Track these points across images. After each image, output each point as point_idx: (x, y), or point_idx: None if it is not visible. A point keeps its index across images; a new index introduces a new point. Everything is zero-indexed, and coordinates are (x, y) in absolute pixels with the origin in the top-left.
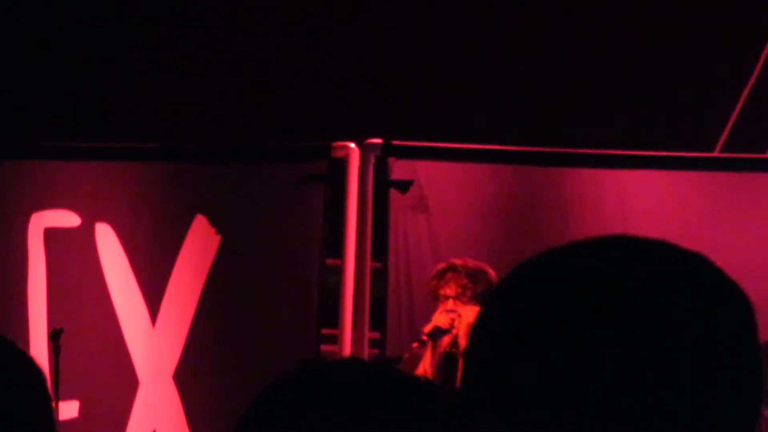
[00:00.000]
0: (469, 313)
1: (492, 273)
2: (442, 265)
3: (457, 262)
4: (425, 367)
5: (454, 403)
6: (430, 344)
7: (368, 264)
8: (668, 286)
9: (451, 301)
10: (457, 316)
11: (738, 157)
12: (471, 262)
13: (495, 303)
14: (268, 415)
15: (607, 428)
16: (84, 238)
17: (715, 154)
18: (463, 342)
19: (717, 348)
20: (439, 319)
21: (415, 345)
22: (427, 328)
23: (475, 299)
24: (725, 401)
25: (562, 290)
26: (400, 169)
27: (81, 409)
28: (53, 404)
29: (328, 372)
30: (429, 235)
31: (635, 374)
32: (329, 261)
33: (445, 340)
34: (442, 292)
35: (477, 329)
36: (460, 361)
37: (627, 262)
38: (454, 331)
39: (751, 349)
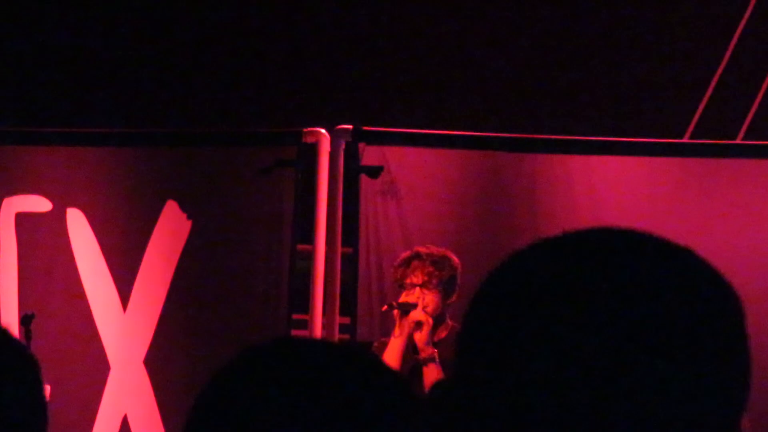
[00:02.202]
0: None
1: (455, 259)
2: (406, 254)
3: (422, 250)
4: (392, 355)
5: (446, 389)
6: (398, 325)
7: (338, 249)
8: (659, 280)
9: (418, 289)
10: (423, 300)
11: (708, 143)
12: (435, 250)
13: (489, 292)
14: (226, 392)
15: (601, 417)
16: (55, 223)
17: (685, 140)
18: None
19: (707, 341)
20: (408, 297)
21: (384, 308)
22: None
23: (441, 286)
24: (715, 394)
25: (557, 281)
26: (370, 155)
27: (52, 394)
28: (45, 391)
29: (291, 349)
30: (399, 220)
31: (627, 367)
32: (300, 246)
33: (413, 315)
34: (408, 280)
35: (469, 322)
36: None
37: (618, 254)
38: (420, 306)
39: (740, 343)
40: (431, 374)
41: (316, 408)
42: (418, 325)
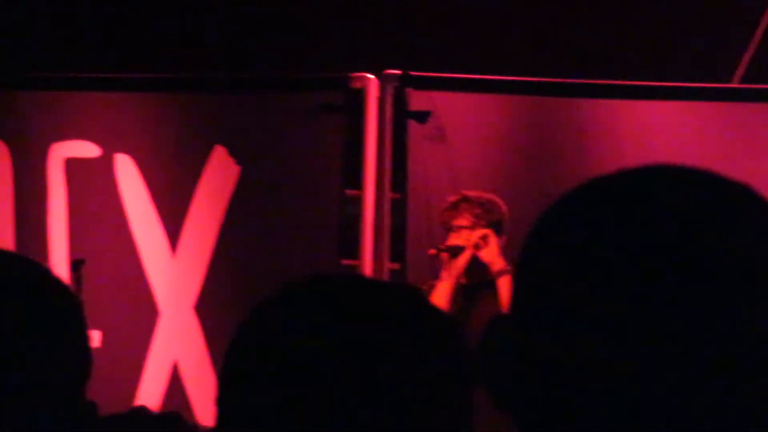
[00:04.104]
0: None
1: (503, 205)
2: (454, 197)
3: (470, 193)
4: (440, 298)
5: (500, 326)
6: (445, 268)
7: (387, 195)
8: (721, 213)
9: (465, 231)
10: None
11: (755, 88)
12: (483, 194)
13: (542, 233)
14: (264, 323)
15: (659, 367)
16: (104, 168)
17: (733, 84)
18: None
19: None
20: (456, 239)
21: (432, 252)
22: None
23: (488, 228)
24: None
25: (611, 221)
26: (417, 100)
27: (103, 340)
28: (88, 332)
29: (332, 283)
30: (447, 165)
31: (692, 302)
32: (348, 192)
33: (462, 258)
34: (456, 222)
35: (522, 264)
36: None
37: (675, 189)
38: (469, 249)
39: None
40: (507, 286)
41: (355, 344)
42: (483, 240)
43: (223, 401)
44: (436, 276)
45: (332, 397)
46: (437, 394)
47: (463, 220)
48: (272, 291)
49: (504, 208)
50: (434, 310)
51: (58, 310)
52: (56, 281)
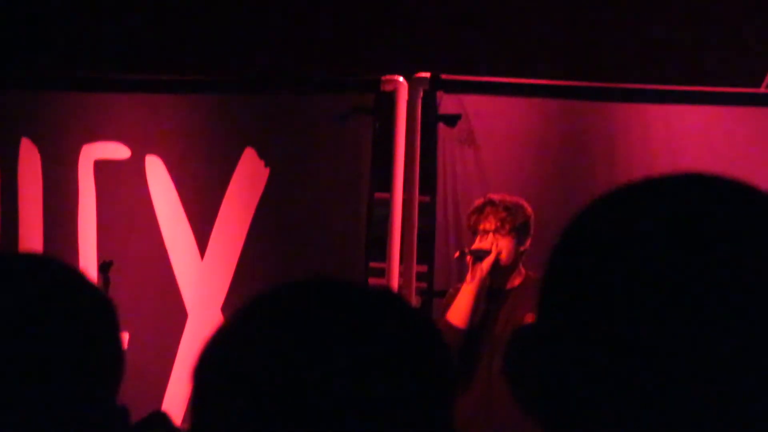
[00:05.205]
0: (503, 246)
1: (528, 207)
2: (479, 201)
3: (495, 197)
4: (464, 300)
5: (525, 336)
6: (470, 271)
7: (416, 198)
8: (754, 225)
9: (491, 235)
10: (496, 246)
11: None
12: (508, 197)
13: (572, 239)
14: (243, 326)
15: (681, 373)
16: (134, 170)
17: (762, 89)
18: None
19: None
20: (481, 243)
21: (456, 255)
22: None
23: (514, 231)
24: None
25: (639, 227)
26: (448, 103)
27: (130, 341)
28: (121, 335)
29: (307, 290)
30: (477, 169)
31: (725, 318)
32: (377, 194)
33: (486, 262)
34: (481, 226)
35: (550, 269)
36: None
37: (703, 199)
38: (493, 253)
39: None
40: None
41: (329, 356)
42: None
43: (195, 416)
44: (463, 279)
45: (305, 411)
46: (418, 404)
47: (488, 224)
48: (248, 298)
49: (529, 210)
50: (417, 317)
51: (91, 313)
52: (89, 284)
